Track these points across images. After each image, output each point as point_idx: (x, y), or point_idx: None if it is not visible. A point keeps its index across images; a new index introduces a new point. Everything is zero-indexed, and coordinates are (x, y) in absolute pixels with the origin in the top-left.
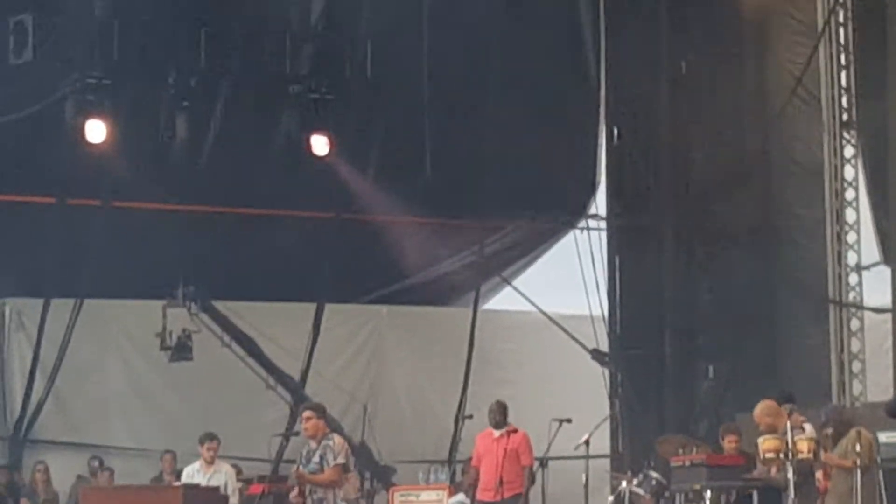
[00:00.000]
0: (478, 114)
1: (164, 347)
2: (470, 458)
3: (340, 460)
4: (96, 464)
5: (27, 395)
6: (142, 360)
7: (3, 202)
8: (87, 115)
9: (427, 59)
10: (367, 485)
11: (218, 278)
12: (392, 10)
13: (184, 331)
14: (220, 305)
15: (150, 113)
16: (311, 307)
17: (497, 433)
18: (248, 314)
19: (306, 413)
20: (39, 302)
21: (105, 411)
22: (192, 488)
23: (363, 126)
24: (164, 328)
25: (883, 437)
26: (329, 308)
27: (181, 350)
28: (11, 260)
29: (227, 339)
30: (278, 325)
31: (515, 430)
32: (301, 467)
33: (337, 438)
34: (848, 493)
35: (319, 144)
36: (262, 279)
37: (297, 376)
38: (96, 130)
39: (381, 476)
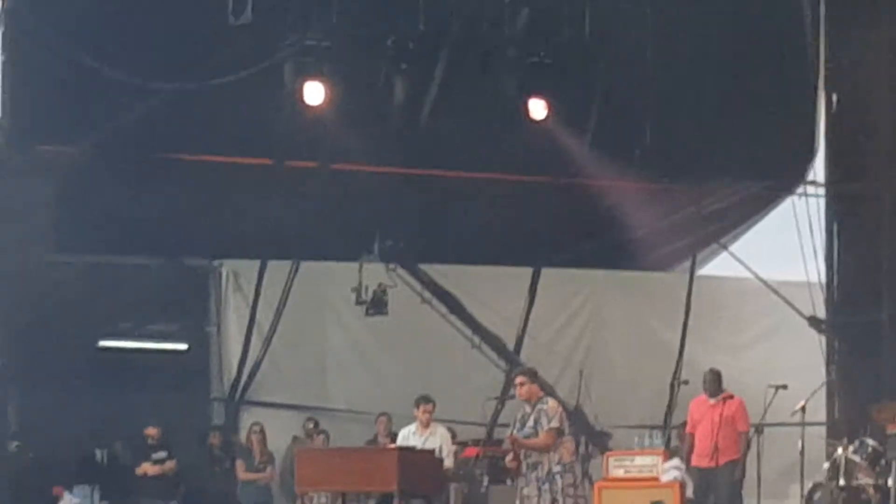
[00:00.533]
0: (696, 78)
1: (359, 302)
2: (685, 424)
3: (554, 424)
4: (311, 426)
5: (243, 357)
6: (357, 322)
7: (221, 163)
8: (306, 78)
9: (649, 23)
10: (581, 449)
11: (433, 241)
12: None
13: (379, 285)
14: (430, 268)
15: (368, 76)
16: (526, 271)
17: (712, 400)
18: (461, 278)
19: (520, 378)
20: (256, 264)
21: (320, 373)
22: (408, 451)
23: (581, 90)
24: (360, 283)
25: None
26: (545, 272)
27: (377, 305)
28: (229, 222)
29: (434, 301)
30: (492, 288)
31: (731, 397)
32: (515, 431)
33: (551, 402)
34: None
35: (537, 108)
36: (477, 243)
37: (511, 340)
38: (314, 93)
39: (597, 441)
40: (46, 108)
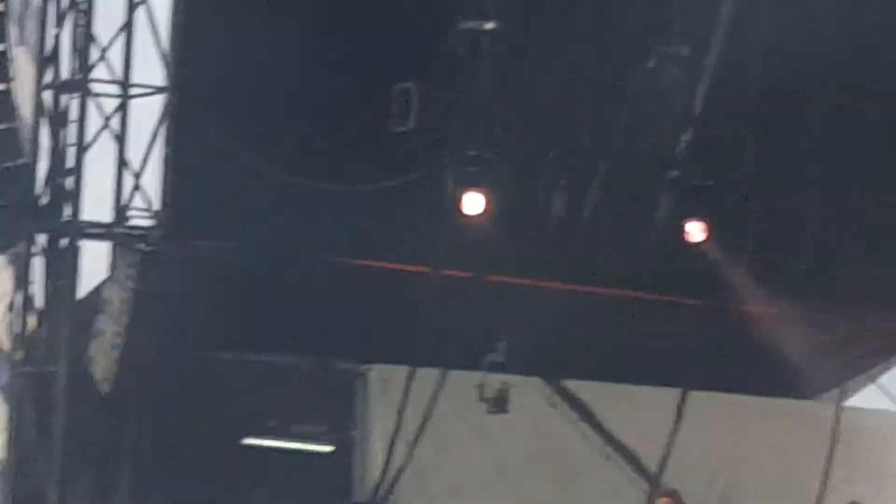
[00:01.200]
0: (861, 200)
1: (481, 399)
2: None
3: None
4: None
5: (387, 464)
6: (506, 437)
7: (378, 268)
8: (466, 188)
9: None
10: None
11: (582, 357)
12: (776, 98)
13: (502, 383)
14: (577, 384)
15: (527, 189)
16: (673, 392)
17: None
18: (608, 395)
19: (664, 499)
20: (405, 369)
21: (463, 487)
22: None
23: (740, 213)
24: (483, 381)
25: None
26: (693, 395)
27: (498, 403)
28: (381, 327)
29: (580, 422)
30: (640, 408)
31: None
32: None
33: None
34: None
35: (695, 231)
36: (626, 361)
37: (656, 461)
38: (474, 202)
39: None
40: (207, 202)
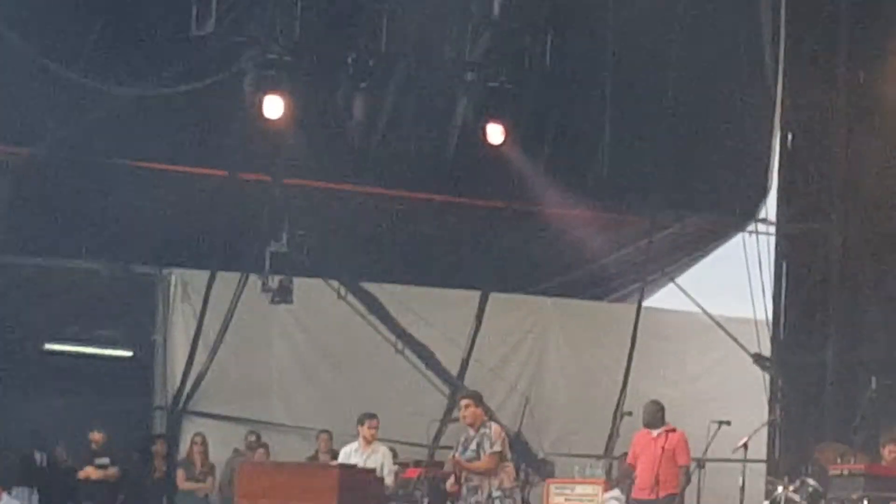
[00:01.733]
0: (654, 111)
1: (265, 290)
2: (626, 455)
3: (497, 448)
4: (253, 439)
5: (188, 367)
6: (305, 337)
7: (176, 173)
8: (266, 91)
9: (609, 54)
10: (522, 476)
11: (381, 260)
12: (573, 4)
13: (285, 276)
14: (378, 287)
15: (327, 92)
16: (474, 295)
17: (655, 432)
18: (408, 298)
19: (465, 401)
20: (206, 274)
21: (265, 387)
22: (349, 469)
23: (539, 116)
24: (266, 271)
25: None
26: (493, 297)
27: (282, 293)
28: (180, 231)
29: (378, 322)
30: (440, 310)
31: (673, 430)
32: (458, 454)
33: (495, 427)
34: None
35: (495, 133)
36: (426, 264)
37: (457, 363)
38: (274, 106)
39: (538, 468)
40: (5, 107)
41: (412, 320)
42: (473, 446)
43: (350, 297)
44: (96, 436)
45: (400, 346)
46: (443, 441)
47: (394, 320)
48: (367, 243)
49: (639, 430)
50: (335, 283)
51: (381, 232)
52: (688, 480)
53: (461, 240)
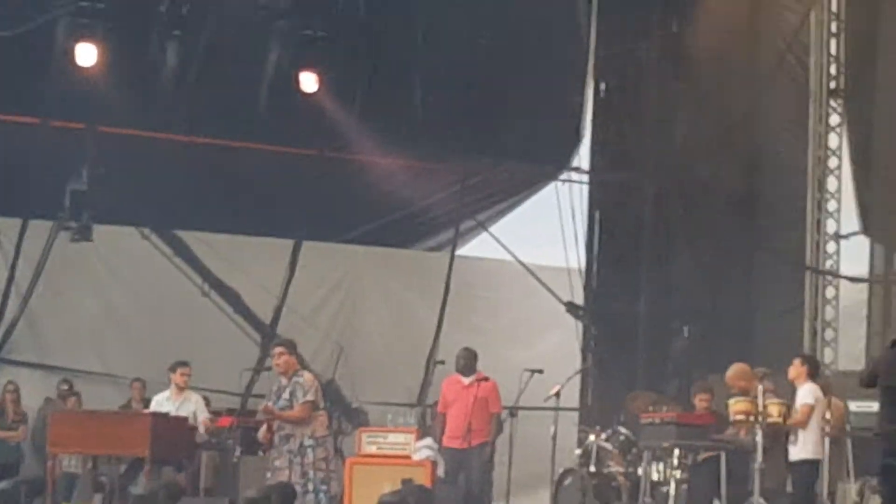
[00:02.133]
0: (466, 58)
1: (62, 228)
2: (437, 403)
3: (310, 397)
4: (66, 387)
5: (0, 315)
6: (116, 286)
7: None
8: (79, 39)
9: (420, 3)
10: (335, 424)
11: (195, 208)
12: None
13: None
14: (190, 235)
15: (140, 40)
16: (288, 243)
17: (466, 380)
18: (222, 246)
19: (278, 349)
20: (18, 222)
21: (77, 335)
22: (161, 417)
23: (352, 65)
24: (67, 210)
25: (853, 406)
26: (306, 245)
27: (82, 231)
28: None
29: (189, 270)
30: (253, 259)
31: (486, 379)
32: (270, 403)
33: (307, 375)
34: None
35: (308, 81)
36: (240, 213)
37: (270, 311)
38: (87, 54)
39: (351, 417)
40: None
41: (225, 268)
42: (286, 395)
43: (161, 245)
44: None
45: (212, 294)
46: (256, 389)
47: (205, 268)
48: (180, 191)
49: (449, 377)
50: (146, 231)
51: (194, 180)
52: (500, 429)
53: (274, 188)
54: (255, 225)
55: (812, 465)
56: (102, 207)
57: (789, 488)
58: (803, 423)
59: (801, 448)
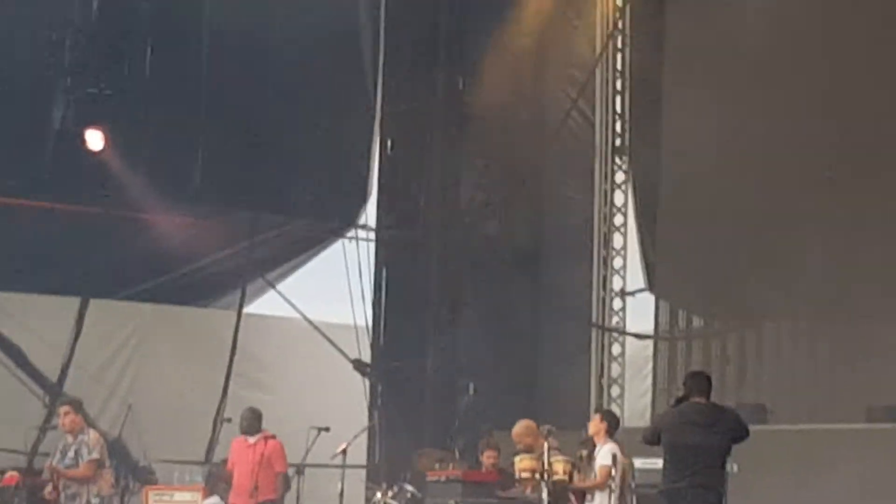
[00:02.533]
0: (256, 117)
1: None
2: (226, 461)
3: (95, 455)
4: None
5: None
6: None
7: None
8: None
9: (205, 61)
10: (123, 482)
11: None
12: (172, 11)
13: None
14: None
15: None
16: (74, 301)
17: (251, 439)
18: (6, 304)
19: (64, 408)
20: None
21: None
22: None
23: (139, 123)
24: None
25: (638, 462)
26: (93, 303)
27: None
28: None
29: None
30: (40, 317)
31: (273, 437)
32: (55, 462)
33: (93, 434)
34: None
35: (94, 139)
36: (25, 271)
37: (57, 369)
38: None
39: (139, 475)
40: None
41: (11, 327)
42: (72, 453)
43: None
44: None
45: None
46: (42, 448)
47: None
48: None
49: (236, 437)
50: None
51: None
52: (287, 487)
53: (60, 245)
54: (41, 283)
55: None
56: None
57: None
58: (602, 486)
59: None
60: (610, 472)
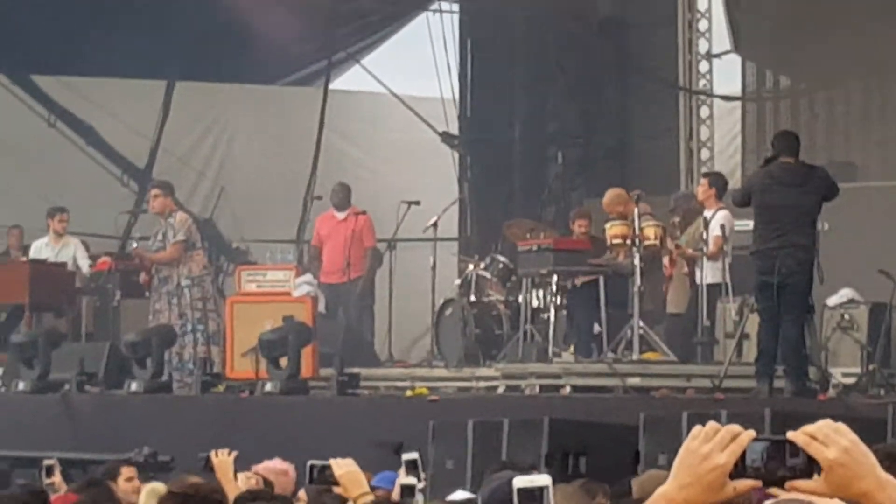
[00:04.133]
0: None
1: None
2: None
3: (181, 237)
4: None
5: None
6: None
7: None
8: None
9: None
10: (216, 263)
11: (58, 50)
12: None
13: None
14: (58, 80)
15: None
16: (160, 84)
17: (340, 215)
18: (90, 90)
19: (154, 191)
20: None
21: None
22: (40, 264)
23: None
24: None
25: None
26: (179, 85)
27: None
28: None
29: (52, 118)
30: (125, 102)
31: (363, 212)
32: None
33: (179, 216)
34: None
35: None
36: (109, 55)
37: (145, 154)
38: None
39: (231, 255)
40: None
41: (95, 113)
42: (160, 236)
43: (21, 92)
44: None
45: (82, 139)
46: (135, 233)
47: (72, 115)
48: (41, 34)
49: (322, 214)
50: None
51: (61, 20)
52: (379, 262)
53: (144, 27)
54: (127, 68)
55: (717, 288)
56: None
57: (672, 309)
58: (716, 256)
59: (710, 273)
60: (722, 243)
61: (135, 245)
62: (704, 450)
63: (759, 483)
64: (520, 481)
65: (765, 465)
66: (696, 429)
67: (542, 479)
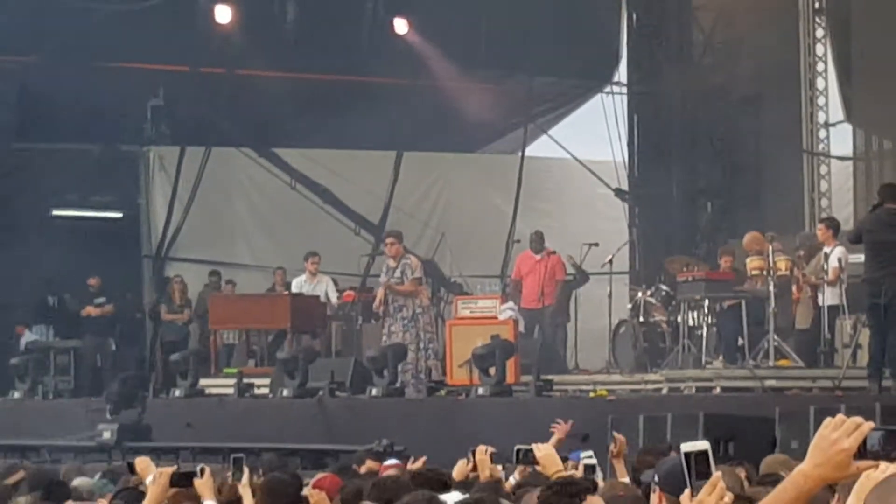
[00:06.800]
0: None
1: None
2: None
3: (417, 275)
4: (214, 278)
5: (167, 223)
6: (259, 194)
7: (148, 70)
8: (216, 2)
9: None
10: (437, 295)
11: (315, 131)
12: None
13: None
14: (310, 153)
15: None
16: (391, 154)
17: (537, 256)
18: (331, 162)
19: (389, 239)
20: (177, 149)
21: (229, 235)
22: (299, 296)
23: (438, 8)
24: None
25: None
26: (407, 155)
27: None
28: (154, 116)
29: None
30: (359, 171)
31: (554, 252)
32: (386, 279)
33: (413, 258)
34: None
35: (400, 25)
36: (352, 135)
37: (374, 210)
38: (223, 13)
39: (450, 288)
40: (7, 25)
41: (334, 181)
42: (398, 274)
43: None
44: (93, 281)
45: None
46: (371, 272)
47: (309, 179)
48: (308, 120)
49: (522, 253)
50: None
51: (317, 110)
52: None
53: (378, 111)
54: (365, 143)
55: (836, 309)
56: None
57: (800, 326)
58: (835, 283)
59: (830, 297)
60: (840, 272)
61: (385, 279)
62: (834, 436)
63: (878, 463)
64: (686, 446)
65: (882, 448)
66: (828, 420)
67: (703, 444)
